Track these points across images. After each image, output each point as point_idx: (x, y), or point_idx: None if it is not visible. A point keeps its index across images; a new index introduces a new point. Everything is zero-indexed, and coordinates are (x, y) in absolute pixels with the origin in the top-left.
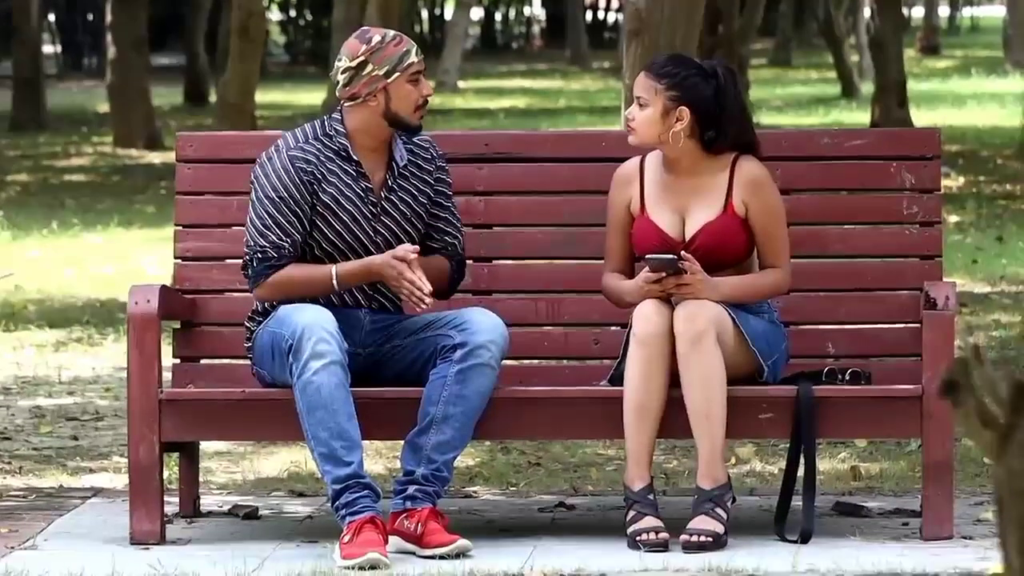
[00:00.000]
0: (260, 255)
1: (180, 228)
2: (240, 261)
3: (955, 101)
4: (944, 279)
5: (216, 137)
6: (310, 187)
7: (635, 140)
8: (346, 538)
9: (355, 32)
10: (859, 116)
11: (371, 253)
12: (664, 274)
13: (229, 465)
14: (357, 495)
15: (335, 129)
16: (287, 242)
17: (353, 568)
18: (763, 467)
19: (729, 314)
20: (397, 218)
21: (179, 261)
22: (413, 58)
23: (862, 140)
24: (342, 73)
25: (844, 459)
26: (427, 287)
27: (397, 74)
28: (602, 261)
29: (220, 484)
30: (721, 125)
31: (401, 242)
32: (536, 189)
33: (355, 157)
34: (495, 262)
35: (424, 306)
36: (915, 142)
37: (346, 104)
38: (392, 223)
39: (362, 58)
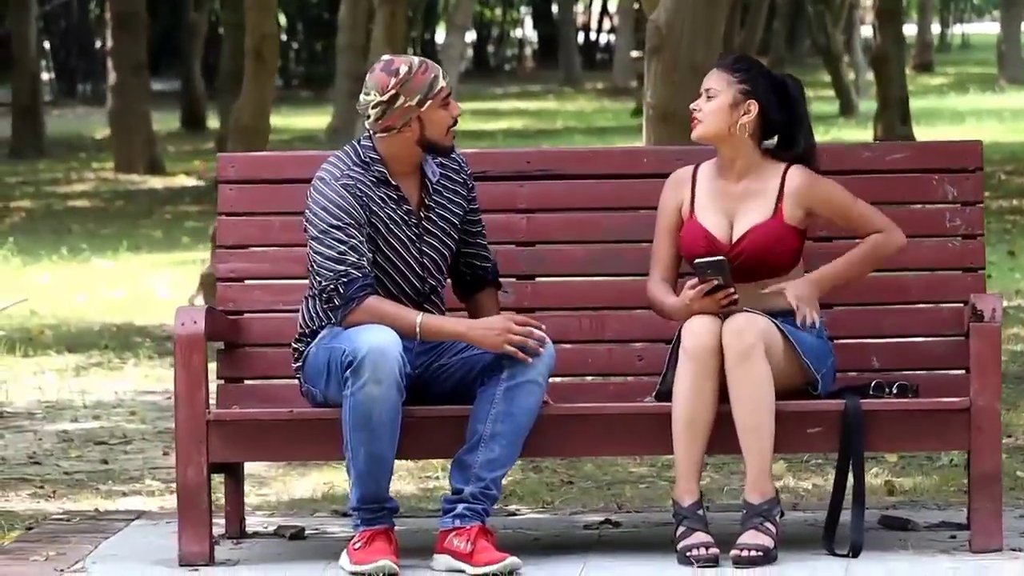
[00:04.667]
0: (346, 280)
1: (223, 249)
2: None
3: (953, 118)
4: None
5: (257, 158)
6: (368, 209)
7: (699, 131)
8: (357, 544)
9: (380, 64)
10: (859, 134)
11: (418, 276)
12: (714, 282)
13: (259, 487)
14: (377, 514)
15: (370, 156)
16: (365, 261)
17: (362, 575)
18: (796, 483)
19: (778, 327)
20: (439, 235)
21: (222, 282)
22: (442, 83)
23: (903, 154)
24: (373, 107)
25: (877, 474)
26: (535, 325)
27: (429, 102)
28: (645, 277)
29: (254, 506)
30: (786, 133)
31: (445, 260)
32: (577, 206)
33: (394, 182)
34: (537, 279)
35: (542, 349)
36: (957, 155)
37: (379, 135)
38: (435, 241)
39: (393, 91)
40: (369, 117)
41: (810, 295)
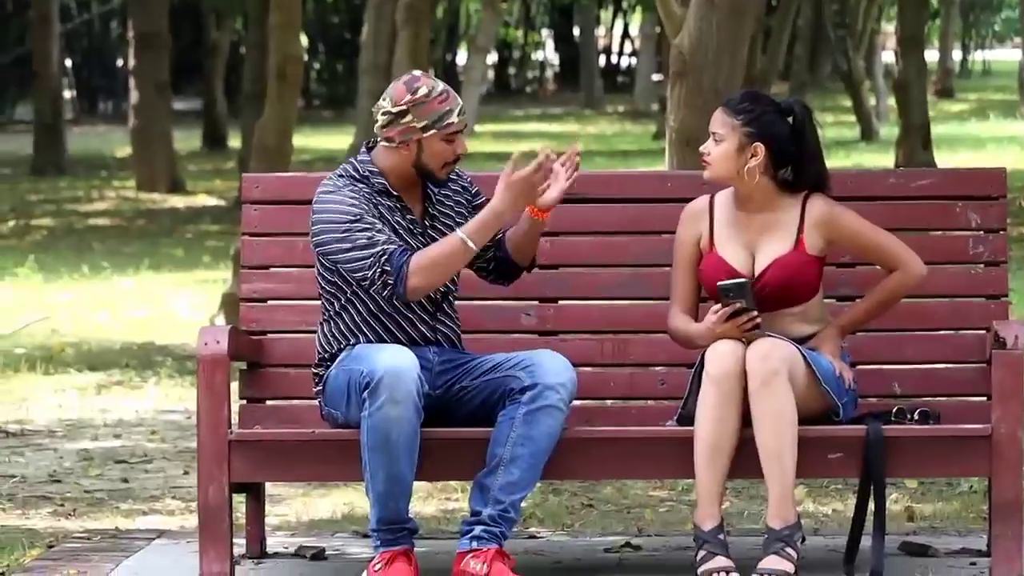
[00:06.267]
0: (385, 256)
1: (246, 269)
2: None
3: (975, 144)
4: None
5: (281, 178)
6: (377, 212)
7: (710, 174)
8: (377, 565)
9: (406, 77)
10: (881, 159)
11: None
12: (736, 305)
13: (280, 507)
14: (397, 535)
15: (369, 170)
16: (395, 237)
17: None
18: (816, 508)
19: (801, 353)
20: None
21: (245, 302)
22: (454, 118)
23: (927, 180)
24: (382, 114)
25: (897, 500)
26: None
27: (434, 131)
28: (667, 301)
29: (275, 526)
30: (798, 163)
31: None
32: (602, 229)
33: (395, 192)
34: (561, 302)
35: (553, 157)
36: (981, 182)
37: (381, 143)
38: None
39: (404, 107)
40: (377, 122)
41: (831, 346)
